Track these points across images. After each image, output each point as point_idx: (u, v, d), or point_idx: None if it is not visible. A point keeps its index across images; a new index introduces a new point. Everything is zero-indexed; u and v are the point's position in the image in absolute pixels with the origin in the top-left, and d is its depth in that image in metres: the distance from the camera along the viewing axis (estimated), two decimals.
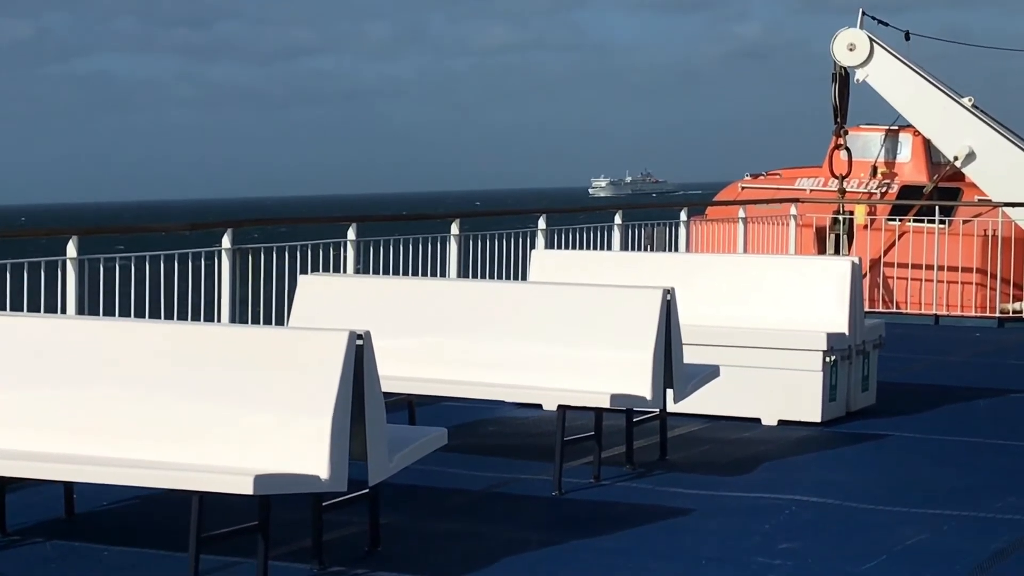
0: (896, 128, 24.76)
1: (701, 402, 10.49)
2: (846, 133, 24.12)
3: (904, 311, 20.59)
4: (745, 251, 18.74)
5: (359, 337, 7.01)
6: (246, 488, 6.58)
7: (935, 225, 20.01)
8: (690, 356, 9.68)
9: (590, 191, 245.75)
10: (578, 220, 16.81)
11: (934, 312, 19.36)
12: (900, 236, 22.54)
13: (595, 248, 16.27)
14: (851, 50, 23.14)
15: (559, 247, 15.66)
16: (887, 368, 12.53)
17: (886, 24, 23.66)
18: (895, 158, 24.88)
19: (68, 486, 8.01)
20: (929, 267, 19.79)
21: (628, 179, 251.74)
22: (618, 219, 16.72)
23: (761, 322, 11.39)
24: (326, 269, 12.98)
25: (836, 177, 24.25)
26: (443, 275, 14.28)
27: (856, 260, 11.73)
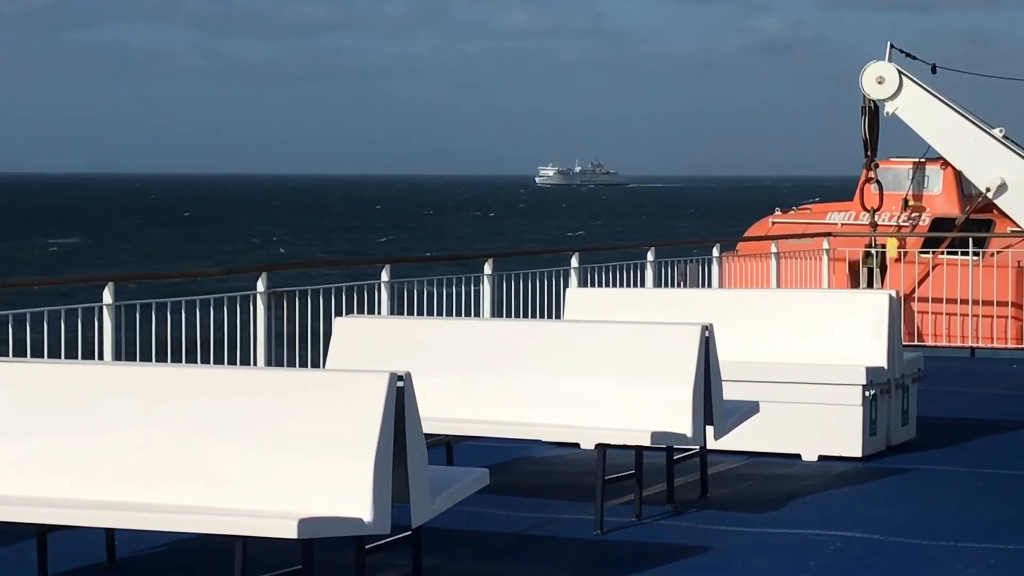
0: (926, 160, 24.71)
1: (741, 438, 10.42)
2: (877, 166, 24.08)
3: (939, 343, 20.48)
4: (778, 286, 18.66)
5: (400, 379, 6.98)
6: (290, 532, 6.56)
7: (968, 257, 19.92)
8: (728, 392, 9.62)
9: (537, 179, 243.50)
10: (610, 258, 16.78)
11: (970, 344, 19.24)
12: (933, 268, 22.47)
13: (628, 285, 16.22)
14: (880, 83, 23.13)
15: (592, 285, 15.62)
16: (926, 401, 12.45)
17: (914, 57, 23.66)
18: (926, 190, 24.82)
19: (110, 532, 7.98)
20: (964, 301, 19.68)
21: (577, 168, 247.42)
22: (650, 256, 16.68)
23: (800, 357, 11.32)
24: (360, 311, 12.97)
25: (867, 211, 24.21)
26: (476, 315, 14.24)
27: (894, 293, 11.67)
